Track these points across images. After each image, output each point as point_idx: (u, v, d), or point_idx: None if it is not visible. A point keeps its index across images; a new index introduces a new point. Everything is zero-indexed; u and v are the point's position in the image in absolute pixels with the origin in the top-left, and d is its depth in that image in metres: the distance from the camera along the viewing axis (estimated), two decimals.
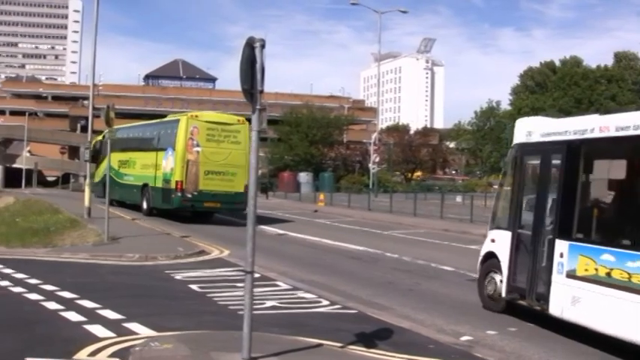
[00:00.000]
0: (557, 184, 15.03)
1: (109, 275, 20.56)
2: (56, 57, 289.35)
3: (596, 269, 13.07)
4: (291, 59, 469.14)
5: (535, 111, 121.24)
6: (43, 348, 11.60)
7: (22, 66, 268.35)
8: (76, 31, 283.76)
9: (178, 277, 20.09)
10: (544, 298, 14.53)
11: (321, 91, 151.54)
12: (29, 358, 10.92)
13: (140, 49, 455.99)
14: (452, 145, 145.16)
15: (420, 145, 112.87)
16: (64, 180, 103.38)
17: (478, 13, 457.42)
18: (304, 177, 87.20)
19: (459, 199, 62.77)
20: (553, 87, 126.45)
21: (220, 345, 11.60)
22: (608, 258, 12.79)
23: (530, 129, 16.37)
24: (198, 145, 33.97)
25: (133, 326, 13.22)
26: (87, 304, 15.18)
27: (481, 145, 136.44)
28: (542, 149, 15.75)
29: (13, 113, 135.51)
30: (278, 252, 26.88)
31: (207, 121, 36.89)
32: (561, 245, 14.12)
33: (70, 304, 15.09)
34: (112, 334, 12.55)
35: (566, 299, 13.86)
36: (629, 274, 12.19)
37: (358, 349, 12.25)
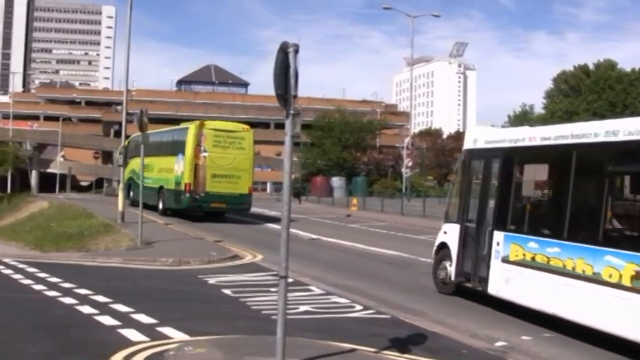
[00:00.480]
0: (496, 184, 18.02)
1: (143, 279, 20.65)
2: (90, 63, 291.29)
3: (524, 255, 15.95)
4: (323, 64, 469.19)
5: (569, 115, 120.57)
6: (78, 352, 11.66)
7: (56, 72, 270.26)
8: (109, 37, 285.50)
9: (212, 281, 20.12)
10: (484, 280, 17.30)
11: (353, 96, 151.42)
12: None
13: (173, 55, 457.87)
14: None
15: (453, 149, 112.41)
16: (98, 185, 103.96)
17: (510, 16, 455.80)
18: (337, 181, 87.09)
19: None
20: (587, 90, 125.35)
21: (254, 350, 11.59)
22: (533, 245, 15.69)
23: (476, 137, 19.19)
24: (205, 151, 35.56)
25: (167, 330, 13.24)
26: (121, 308, 15.24)
27: None
28: (485, 155, 18.62)
29: (47, 118, 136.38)
30: (311, 257, 26.85)
31: (214, 129, 39.81)
32: (498, 236, 16.96)
33: (104, 308, 15.15)
34: (146, 338, 12.57)
35: (501, 280, 16.67)
36: (547, 257, 15.09)
37: (392, 354, 12.19)
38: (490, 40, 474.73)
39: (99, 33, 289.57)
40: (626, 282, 12.85)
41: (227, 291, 18.50)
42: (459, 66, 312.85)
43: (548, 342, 14.16)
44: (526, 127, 18.66)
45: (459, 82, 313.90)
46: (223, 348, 11.65)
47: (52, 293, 17.15)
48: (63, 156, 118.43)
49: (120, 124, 52.21)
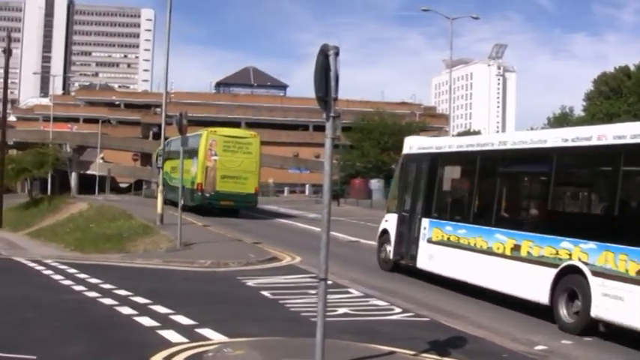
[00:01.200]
0: (424, 182, 22.78)
1: (182, 281, 20.76)
2: (129, 65, 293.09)
3: (442, 236, 20.87)
4: (361, 67, 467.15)
5: (609, 117, 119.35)
6: (118, 352, 11.74)
7: (96, 74, 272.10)
8: (148, 40, 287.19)
9: (250, 283, 20.15)
10: (414, 258, 22.14)
11: (392, 98, 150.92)
12: None
13: (212, 58, 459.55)
14: None
15: None
16: (137, 186, 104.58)
17: (549, 18, 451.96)
18: (375, 184, 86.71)
19: None
20: (628, 92, 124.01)
21: (292, 352, 11.59)
22: (449, 228, 20.64)
23: (412, 144, 24.45)
24: (215, 155, 37.70)
25: (206, 332, 13.28)
26: (160, 309, 15.31)
27: None
28: (417, 158, 23.58)
29: (87, 121, 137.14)
30: (350, 259, 26.79)
31: (223, 135, 44.18)
32: (425, 222, 21.89)
33: (143, 310, 15.23)
34: (185, 340, 12.62)
35: (427, 257, 21.59)
36: (458, 237, 20.05)
37: (431, 357, 12.15)
38: (529, 42, 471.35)
39: (138, 36, 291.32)
40: (508, 252, 17.80)
41: (266, 293, 18.53)
42: (498, 68, 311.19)
43: (589, 346, 14.04)
44: (448, 137, 24.94)
45: (498, 84, 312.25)
46: (262, 350, 11.66)
47: (92, 294, 17.28)
48: (102, 158, 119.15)
49: (159, 126, 52.52)
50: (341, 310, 16.09)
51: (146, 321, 14.18)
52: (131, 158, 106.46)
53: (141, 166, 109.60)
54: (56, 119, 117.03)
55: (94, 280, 19.31)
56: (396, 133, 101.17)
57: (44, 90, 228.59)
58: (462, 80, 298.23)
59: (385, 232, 24.48)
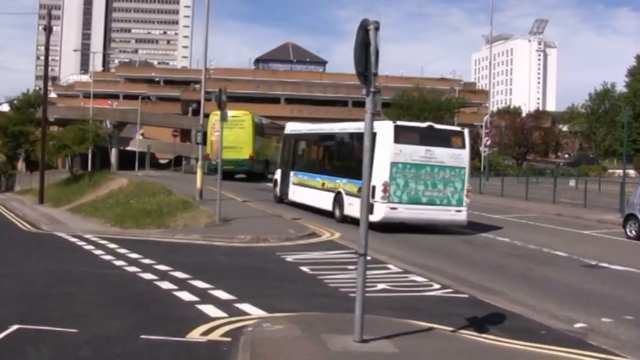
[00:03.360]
0: (291, 150, 37.27)
1: (221, 256, 20.86)
2: (168, 42, 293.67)
3: (298, 180, 34.81)
4: (402, 42, 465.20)
5: None
6: (158, 326, 11.82)
7: (135, 51, 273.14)
8: (187, 16, 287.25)
9: (289, 259, 20.20)
10: (287, 194, 36.03)
11: (432, 74, 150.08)
12: (145, 335, 11.13)
13: (252, 34, 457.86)
14: (565, 128, 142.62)
15: (532, 128, 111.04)
16: (176, 162, 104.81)
17: None
18: None
19: (572, 183, 61.52)
20: None
21: (332, 327, 11.59)
22: (301, 176, 34.47)
23: (287, 128, 39.34)
24: (218, 131, 38.77)
25: (245, 307, 13.35)
26: (199, 284, 15.41)
27: (595, 129, 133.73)
28: (288, 137, 38.25)
29: (127, 97, 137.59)
30: (388, 235, 26.70)
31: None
32: (291, 173, 35.88)
33: (182, 284, 15.34)
34: (224, 315, 12.70)
35: (292, 193, 35.58)
36: (303, 180, 34.13)
37: (470, 334, 12.10)
38: (571, 18, 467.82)
39: (177, 12, 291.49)
40: (319, 186, 32.33)
41: (305, 268, 18.58)
42: (539, 43, 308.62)
43: (629, 324, 13.89)
44: (302, 124, 41.37)
45: (539, 59, 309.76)
46: (301, 325, 11.68)
47: (132, 269, 17.43)
48: (142, 134, 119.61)
49: (198, 102, 52.87)
50: (380, 286, 16.10)
51: (185, 296, 14.28)
52: (171, 134, 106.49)
53: (180, 142, 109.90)
54: (96, 96, 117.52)
55: (134, 255, 19.46)
56: (436, 109, 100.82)
57: (84, 67, 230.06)
58: (502, 56, 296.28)
59: (276, 181, 38.94)
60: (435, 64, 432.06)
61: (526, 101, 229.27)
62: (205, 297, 14.14)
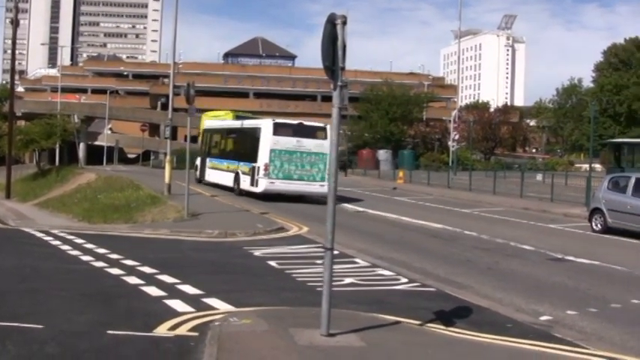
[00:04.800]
0: (207, 141, 47.27)
1: (189, 251, 20.84)
2: (137, 36, 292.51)
3: (212, 164, 44.80)
4: (372, 37, 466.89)
5: (618, 88, 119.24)
6: (125, 322, 11.79)
7: (104, 45, 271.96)
8: (156, 10, 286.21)
9: (257, 253, 20.22)
10: (204, 176, 45.15)
11: (401, 69, 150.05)
12: (111, 331, 11.09)
13: (223, 28, 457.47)
14: (532, 123, 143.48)
15: (500, 122, 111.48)
16: (145, 157, 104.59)
17: None
18: (383, 154, 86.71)
19: (539, 177, 61.93)
20: (637, 64, 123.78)
21: (299, 321, 11.62)
22: (214, 161, 44.61)
23: (206, 124, 49.08)
24: None
25: (212, 301, 13.35)
26: (167, 279, 15.39)
27: (562, 123, 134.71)
28: (206, 130, 47.94)
29: (95, 92, 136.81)
30: (357, 229, 26.88)
31: (213, 116, 56.54)
32: (207, 159, 45.74)
33: (150, 279, 15.31)
34: (192, 309, 12.69)
35: (207, 175, 45.35)
36: (215, 164, 44.26)
37: (436, 327, 12.17)
38: (540, 13, 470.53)
39: (146, 6, 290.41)
40: (225, 168, 41.74)
41: (273, 263, 18.60)
42: (508, 39, 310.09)
43: (594, 317, 14.02)
44: (219, 120, 50.94)
45: (507, 55, 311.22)
46: (269, 319, 11.70)
47: (100, 264, 17.37)
48: (110, 129, 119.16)
49: (167, 96, 52.74)
50: (347, 280, 16.15)
51: (153, 290, 14.25)
52: (139, 129, 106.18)
53: (149, 136, 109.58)
54: (64, 90, 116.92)
55: (101, 250, 19.39)
56: (404, 103, 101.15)
57: (52, 61, 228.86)
58: (471, 51, 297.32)
59: (196, 166, 47.17)
60: (404, 58, 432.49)
61: (494, 96, 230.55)
62: (173, 292, 14.12)
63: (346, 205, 35.97)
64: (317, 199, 36.72)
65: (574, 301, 15.27)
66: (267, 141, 36.67)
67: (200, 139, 49.04)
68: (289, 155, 36.80)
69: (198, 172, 46.33)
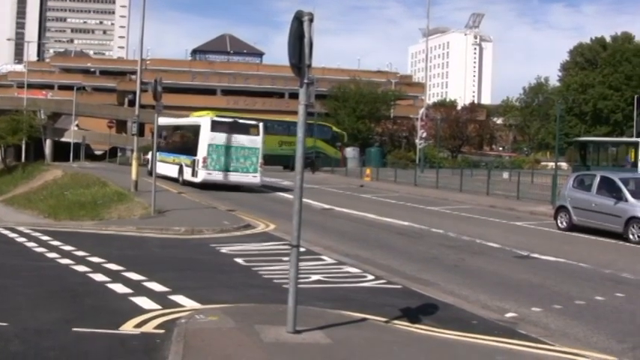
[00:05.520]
0: (161, 137, 43.88)
1: (155, 248, 20.79)
2: (104, 32, 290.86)
3: (161, 158, 42.96)
4: (340, 35, 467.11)
5: (584, 87, 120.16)
6: (91, 319, 11.75)
7: (71, 41, 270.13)
8: (123, 6, 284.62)
9: (224, 250, 20.21)
10: (155, 169, 32.67)
11: (369, 67, 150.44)
12: (77, 328, 11.05)
13: (191, 25, 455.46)
14: (499, 121, 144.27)
15: (467, 120, 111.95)
16: (112, 154, 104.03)
17: None
18: (351, 152, 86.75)
19: (505, 175, 62.22)
20: (603, 63, 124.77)
21: (265, 318, 11.64)
22: (163, 154, 44.45)
23: (160, 121, 34.33)
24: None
25: (179, 299, 13.34)
26: (133, 276, 15.35)
27: (529, 122, 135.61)
28: (160, 127, 35.87)
29: (62, 88, 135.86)
30: (323, 226, 26.94)
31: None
32: (158, 153, 37.67)
33: (116, 277, 15.26)
34: (158, 307, 12.67)
35: (158, 167, 36.19)
36: (163, 157, 44.36)
37: (402, 324, 12.23)
38: (507, 12, 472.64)
39: (114, 2, 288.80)
40: (171, 161, 45.07)
41: (239, 260, 18.60)
42: (475, 37, 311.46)
43: (558, 313, 14.16)
44: (169, 117, 50.74)
45: (475, 53, 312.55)
46: (235, 316, 11.71)
47: (66, 261, 17.28)
48: (77, 125, 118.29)
49: (134, 93, 52.60)
50: (314, 277, 16.18)
51: (119, 288, 14.21)
52: (106, 125, 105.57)
53: (116, 133, 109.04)
54: (30, 86, 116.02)
55: (67, 248, 19.28)
56: (372, 101, 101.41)
57: (18, 57, 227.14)
58: (439, 49, 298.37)
59: (148, 160, 49.15)
60: (373, 56, 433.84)
61: (462, 94, 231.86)
62: (139, 289, 14.09)
63: (313, 202, 35.98)
64: (250, 188, 42.02)
65: (539, 298, 15.40)
66: (206, 136, 40.95)
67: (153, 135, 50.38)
68: (225, 149, 41.00)
69: (149, 165, 46.81)
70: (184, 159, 43.20)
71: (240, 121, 44.25)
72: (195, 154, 41.28)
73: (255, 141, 41.49)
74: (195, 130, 42.90)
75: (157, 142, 43.06)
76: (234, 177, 41.40)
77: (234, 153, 41.05)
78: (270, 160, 62.51)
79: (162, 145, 45.85)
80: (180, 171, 43.28)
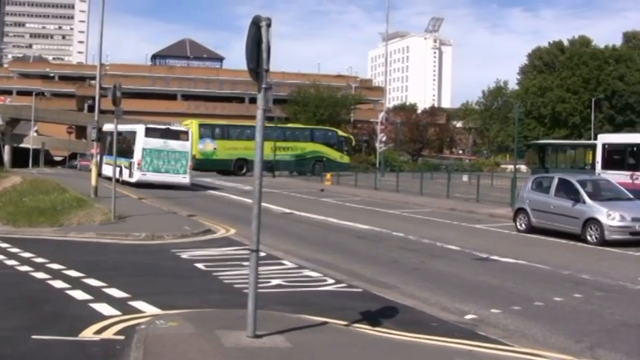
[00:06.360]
0: (106, 142, 49.43)
1: (115, 254, 20.68)
2: (63, 37, 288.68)
3: (107, 161, 48.29)
4: (300, 39, 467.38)
5: (542, 90, 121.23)
6: (50, 326, 11.70)
7: (29, 46, 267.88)
8: (83, 11, 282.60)
9: (184, 255, 20.18)
10: (101, 171, 43.63)
11: (330, 71, 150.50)
12: (36, 336, 11.00)
13: (150, 30, 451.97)
14: (459, 124, 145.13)
15: (427, 124, 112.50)
16: (71, 159, 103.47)
17: None
18: None
19: (465, 178, 62.65)
20: (561, 67, 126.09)
21: (226, 323, 11.65)
22: (108, 157, 46.63)
23: (105, 127, 46.43)
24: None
25: (139, 304, 13.31)
26: (93, 282, 15.30)
27: (488, 125, 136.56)
28: (104, 133, 47.50)
29: (21, 93, 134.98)
30: (284, 231, 26.97)
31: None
32: (104, 157, 49.14)
33: (76, 283, 15.21)
34: (118, 313, 12.64)
35: (104, 170, 47.45)
36: (110, 160, 45.47)
37: (363, 327, 12.29)
38: (466, 17, 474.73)
39: (73, 7, 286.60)
40: (113, 164, 34.93)
41: (200, 265, 18.58)
42: (435, 41, 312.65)
43: (517, 314, 14.27)
44: (109, 123, 44.15)
45: (435, 57, 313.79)
46: (195, 322, 11.72)
47: (25, 268, 17.18)
48: (36, 131, 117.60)
49: (93, 98, 52.47)
50: (274, 282, 16.19)
51: (79, 294, 14.16)
52: (66, 131, 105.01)
53: (76, 139, 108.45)
54: None
55: (26, 254, 19.16)
56: (332, 105, 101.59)
57: None
58: (399, 53, 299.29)
59: (101, 163, 46.35)
60: (332, 60, 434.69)
61: (422, 98, 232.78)
62: (99, 295, 14.05)
63: (273, 206, 35.96)
64: (181, 187, 46.10)
65: (498, 300, 15.52)
66: (140, 142, 45.58)
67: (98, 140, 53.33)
68: (158, 153, 45.61)
69: (102, 168, 48.31)
70: (123, 161, 45.89)
71: (172, 128, 49.96)
72: (132, 157, 45.85)
73: (184, 145, 46.66)
74: (132, 135, 46.71)
75: (103, 147, 48.37)
76: (166, 177, 45.93)
77: (165, 156, 45.80)
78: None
79: (108, 150, 48.75)
80: (121, 172, 45.40)
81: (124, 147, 46.40)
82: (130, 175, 45.79)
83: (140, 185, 44.35)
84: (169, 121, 62.70)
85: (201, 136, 71.38)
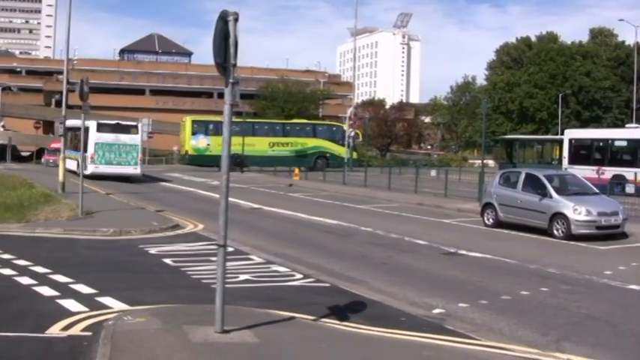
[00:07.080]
0: (69, 138, 48.33)
1: (83, 250, 20.56)
2: (30, 31, 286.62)
3: (67, 155, 41.78)
4: (269, 34, 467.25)
5: (510, 86, 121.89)
6: (16, 323, 11.62)
7: None
8: (50, 5, 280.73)
9: (152, 251, 20.12)
10: (85, 170, 33.71)
11: (298, 66, 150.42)
12: (2, 332, 10.93)
13: (118, 25, 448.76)
14: (427, 119, 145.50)
15: (395, 119, 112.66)
16: (39, 155, 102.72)
17: None
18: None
19: (433, 173, 62.79)
20: (528, 62, 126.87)
21: (194, 318, 11.64)
22: (70, 152, 46.81)
23: (68, 123, 39.34)
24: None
25: (107, 300, 13.28)
26: (60, 278, 15.22)
27: (456, 120, 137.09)
28: (70, 129, 42.82)
29: None
30: (252, 226, 26.97)
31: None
32: (66, 151, 41.81)
33: (43, 279, 15.12)
34: (85, 309, 12.60)
35: (73, 166, 48.36)
36: (70, 155, 46.29)
37: (331, 322, 12.34)
38: (435, 12, 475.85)
39: (40, 1, 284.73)
40: (73, 158, 47.87)
41: (168, 260, 18.54)
42: (403, 37, 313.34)
43: (484, 309, 14.36)
44: (76, 120, 39.75)
45: (403, 52, 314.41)
46: (163, 317, 11.70)
47: None
48: (3, 126, 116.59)
49: (61, 93, 52.13)
50: (242, 277, 16.20)
51: (46, 290, 14.09)
52: (33, 126, 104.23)
53: (43, 134, 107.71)
54: None
55: None
56: (300, 100, 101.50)
57: None
58: (367, 49, 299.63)
59: (74, 161, 49.03)
60: (301, 56, 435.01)
61: (390, 93, 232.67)
62: (66, 291, 13.99)
63: (241, 201, 35.94)
64: (135, 178, 50.29)
65: (466, 294, 15.60)
66: (93, 137, 48.54)
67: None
68: (109, 147, 49.45)
69: (75, 166, 49.97)
70: (80, 155, 45.98)
71: (122, 122, 53.08)
72: (86, 151, 45.06)
73: (134, 139, 50.38)
74: (86, 131, 45.95)
75: (67, 142, 46.68)
76: (118, 169, 49.73)
77: (116, 149, 49.53)
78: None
79: (70, 145, 50.23)
80: (78, 165, 45.67)
81: (81, 142, 46.11)
82: (85, 168, 45.02)
83: (94, 177, 45.77)
84: (137, 117, 62.55)
85: (194, 132, 73.17)
